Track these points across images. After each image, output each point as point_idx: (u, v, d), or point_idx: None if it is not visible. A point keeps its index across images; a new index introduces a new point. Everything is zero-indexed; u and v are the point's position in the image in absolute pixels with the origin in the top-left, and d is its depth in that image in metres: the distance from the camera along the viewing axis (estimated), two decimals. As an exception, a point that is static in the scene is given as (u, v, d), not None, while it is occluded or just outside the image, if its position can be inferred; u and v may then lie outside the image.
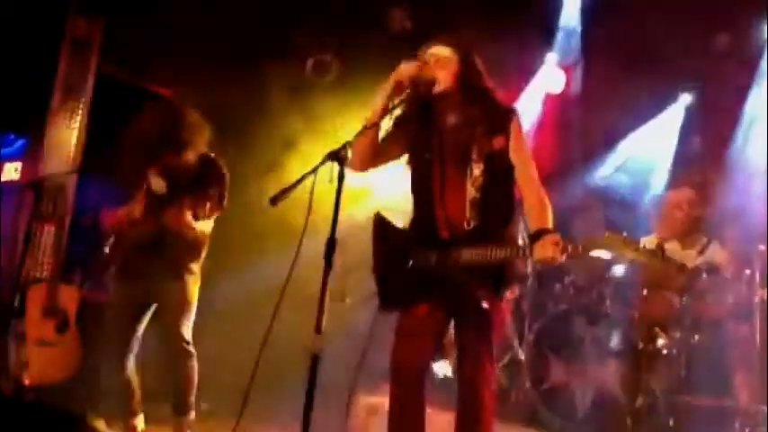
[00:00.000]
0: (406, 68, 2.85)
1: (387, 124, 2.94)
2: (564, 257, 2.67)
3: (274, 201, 2.51)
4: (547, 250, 2.66)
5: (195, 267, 3.63)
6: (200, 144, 3.58)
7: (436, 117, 2.90)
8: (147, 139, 3.52)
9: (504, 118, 2.84)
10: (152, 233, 3.53)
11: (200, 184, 3.55)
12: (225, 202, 3.62)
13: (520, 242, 2.93)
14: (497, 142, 2.80)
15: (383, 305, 2.93)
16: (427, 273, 2.83)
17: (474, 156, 2.79)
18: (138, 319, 3.58)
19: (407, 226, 2.98)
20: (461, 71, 2.86)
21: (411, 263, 2.86)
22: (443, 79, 2.84)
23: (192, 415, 3.57)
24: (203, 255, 3.67)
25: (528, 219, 2.82)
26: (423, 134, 2.90)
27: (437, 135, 2.88)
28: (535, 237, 2.73)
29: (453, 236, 2.80)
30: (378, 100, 2.86)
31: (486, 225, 2.78)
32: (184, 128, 3.53)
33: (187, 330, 3.56)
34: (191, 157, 3.54)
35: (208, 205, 3.53)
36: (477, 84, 2.88)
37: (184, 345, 3.53)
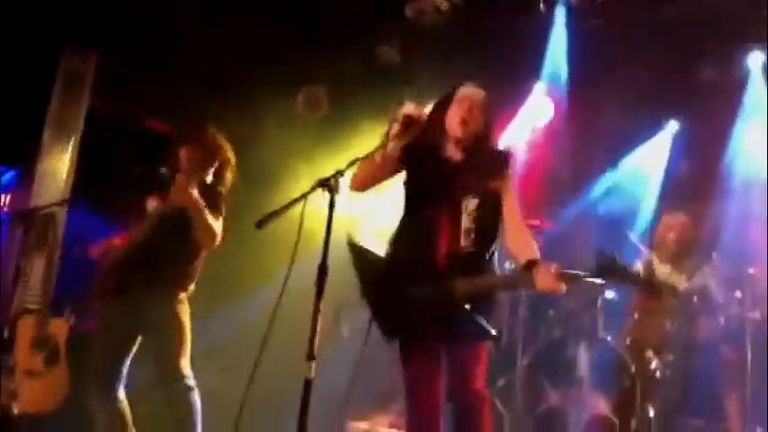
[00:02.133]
0: (414, 112, 2.90)
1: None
2: (565, 287, 2.70)
3: (260, 224, 2.52)
4: (549, 281, 2.69)
5: (184, 297, 3.59)
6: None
7: (441, 151, 2.96)
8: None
9: (503, 161, 2.95)
10: (145, 241, 3.50)
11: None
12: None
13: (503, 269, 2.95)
14: (494, 183, 2.89)
15: (385, 335, 2.91)
16: (424, 302, 2.82)
17: (471, 192, 2.86)
18: (126, 349, 3.54)
19: (389, 250, 2.97)
20: (490, 115, 2.96)
21: (405, 292, 2.84)
22: (477, 120, 2.91)
23: None
24: (194, 280, 3.63)
25: (514, 251, 2.89)
26: (424, 164, 2.95)
27: (439, 167, 2.94)
28: (528, 267, 2.77)
29: (449, 266, 2.82)
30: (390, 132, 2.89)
31: (478, 255, 2.83)
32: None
33: (185, 363, 3.50)
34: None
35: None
36: (492, 138, 3.02)
37: (184, 380, 3.47)
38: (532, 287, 2.75)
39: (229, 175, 3.71)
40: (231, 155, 3.71)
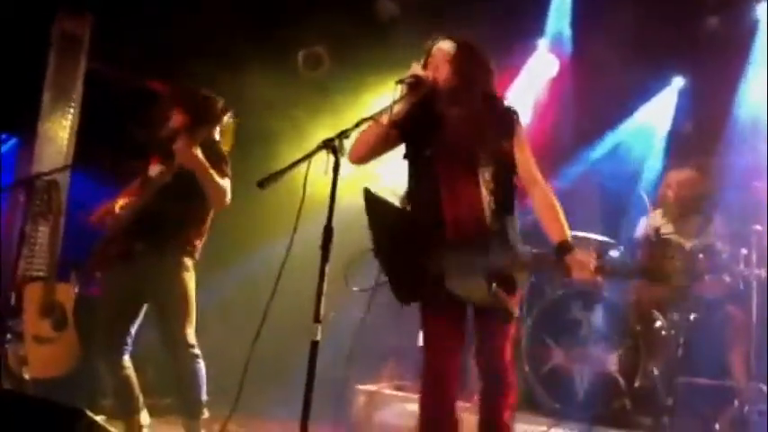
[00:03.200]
0: (416, 69, 2.83)
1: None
2: (599, 277, 2.65)
3: (262, 183, 2.48)
4: (586, 273, 2.62)
5: (190, 263, 3.57)
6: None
7: (436, 112, 2.87)
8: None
9: (508, 119, 2.86)
10: (150, 206, 3.47)
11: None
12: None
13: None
14: (506, 145, 2.81)
15: (399, 298, 2.86)
16: (442, 271, 2.75)
17: (483, 160, 2.77)
18: (131, 315, 3.55)
19: (406, 206, 2.91)
20: (464, 67, 2.84)
21: (424, 259, 2.77)
22: (444, 74, 2.83)
23: (206, 414, 3.53)
24: (200, 242, 3.62)
25: (542, 222, 2.80)
26: (422, 129, 2.86)
27: (438, 131, 2.85)
28: (561, 251, 2.69)
29: (464, 239, 2.74)
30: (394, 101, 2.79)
31: (502, 229, 2.76)
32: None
33: (191, 332, 3.51)
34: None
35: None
36: (481, 82, 2.87)
37: (190, 349, 3.49)
38: (567, 276, 2.68)
39: (229, 134, 3.65)
40: (228, 114, 3.63)
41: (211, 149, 3.52)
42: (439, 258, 2.77)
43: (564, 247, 2.70)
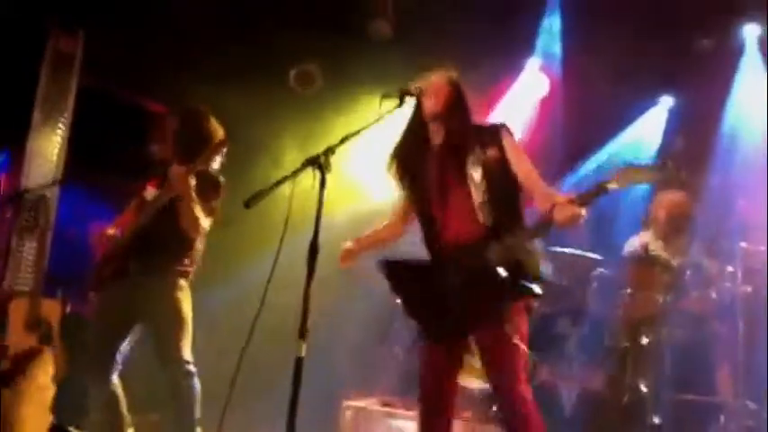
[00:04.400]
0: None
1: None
2: (584, 211, 2.68)
3: (249, 203, 2.51)
4: (566, 210, 2.67)
5: (184, 283, 3.57)
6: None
7: (428, 142, 3.01)
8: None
9: (494, 132, 2.96)
10: (145, 229, 3.49)
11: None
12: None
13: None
14: (491, 152, 2.90)
15: (434, 339, 2.95)
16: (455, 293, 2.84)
17: (469, 166, 2.88)
18: (122, 335, 3.54)
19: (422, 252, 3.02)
20: (453, 99, 2.99)
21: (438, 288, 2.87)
22: (436, 104, 2.97)
23: None
24: (194, 266, 3.62)
25: (539, 203, 2.86)
26: (416, 161, 3.00)
27: (430, 159, 2.99)
28: (549, 210, 2.75)
29: (461, 245, 2.85)
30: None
31: (498, 226, 2.83)
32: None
33: (187, 350, 3.50)
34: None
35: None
36: (465, 111, 3.02)
37: (186, 366, 3.47)
38: (553, 222, 2.72)
39: (220, 158, 3.65)
40: (223, 137, 3.65)
41: (207, 181, 3.53)
42: (453, 278, 2.84)
43: (550, 207, 2.75)
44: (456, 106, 3.00)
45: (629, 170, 2.73)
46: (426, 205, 2.98)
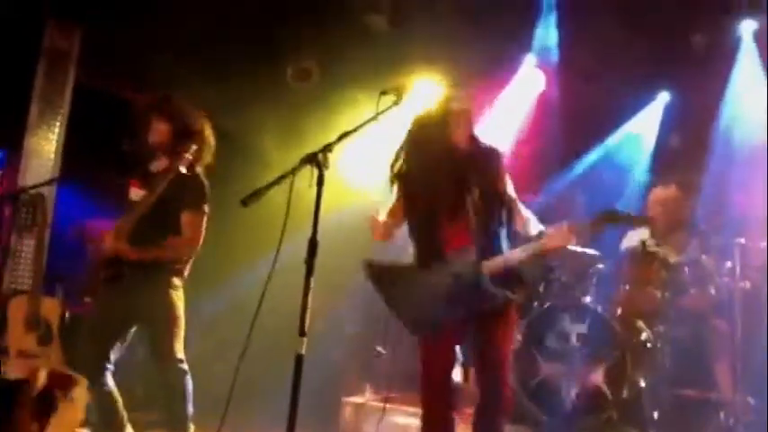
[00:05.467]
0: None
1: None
2: (575, 239, 2.92)
3: (246, 201, 2.50)
4: (558, 237, 2.91)
5: (178, 282, 3.57)
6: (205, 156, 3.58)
7: (448, 153, 3.08)
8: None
9: (495, 157, 3.12)
10: (137, 232, 3.45)
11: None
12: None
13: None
14: (491, 177, 3.05)
15: (415, 332, 3.06)
16: (446, 291, 2.97)
17: (470, 184, 3.01)
18: (116, 336, 3.53)
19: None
20: (469, 115, 3.12)
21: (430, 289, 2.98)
22: (464, 134, 3.09)
23: (192, 429, 3.52)
24: (189, 264, 3.62)
25: (527, 229, 3.08)
26: (429, 168, 3.07)
27: (445, 168, 3.06)
28: (539, 234, 2.99)
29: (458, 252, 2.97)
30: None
31: (489, 242, 2.99)
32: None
33: (179, 348, 3.50)
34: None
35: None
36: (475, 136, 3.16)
37: (179, 364, 3.48)
38: (545, 247, 2.94)
39: (209, 156, 3.63)
40: (210, 133, 3.63)
41: (192, 186, 3.52)
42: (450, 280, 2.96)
43: (541, 232, 3.02)
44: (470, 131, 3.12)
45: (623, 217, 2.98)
46: (431, 210, 3.04)
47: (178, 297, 3.55)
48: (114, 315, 3.52)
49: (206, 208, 3.56)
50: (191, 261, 3.63)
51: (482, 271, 2.94)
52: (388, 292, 3.07)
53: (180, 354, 3.50)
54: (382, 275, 3.08)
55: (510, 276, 3.00)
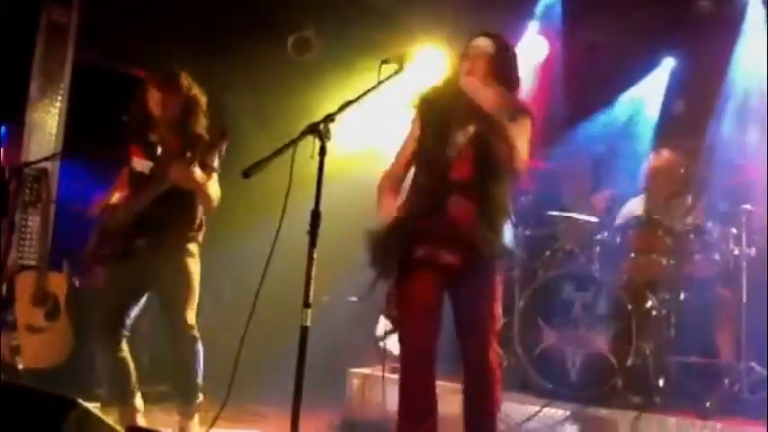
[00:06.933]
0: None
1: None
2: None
3: (248, 173, 2.48)
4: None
5: (194, 248, 3.58)
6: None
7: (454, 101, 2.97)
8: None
9: (520, 113, 2.96)
10: (150, 208, 3.45)
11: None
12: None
13: None
14: (506, 131, 2.87)
15: (380, 275, 2.92)
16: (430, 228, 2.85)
17: (474, 120, 2.89)
18: (131, 304, 3.54)
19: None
20: (497, 65, 2.95)
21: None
22: (479, 71, 2.93)
23: (200, 398, 3.56)
24: (202, 231, 3.62)
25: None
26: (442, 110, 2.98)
27: (460, 107, 2.95)
28: None
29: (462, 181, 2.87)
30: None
31: (481, 183, 2.87)
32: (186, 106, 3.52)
33: (192, 315, 3.52)
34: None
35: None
36: (508, 77, 2.98)
37: (190, 330, 3.50)
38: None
39: (203, 119, 3.59)
40: (202, 98, 3.59)
41: (196, 141, 3.48)
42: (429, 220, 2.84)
43: None
44: (494, 78, 2.93)
45: None
46: (442, 145, 2.93)
47: (193, 263, 3.55)
48: (129, 284, 3.53)
49: (213, 162, 3.52)
50: (204, 227, 3.63)
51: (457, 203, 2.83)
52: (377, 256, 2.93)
53: (192, 320, 3.52)
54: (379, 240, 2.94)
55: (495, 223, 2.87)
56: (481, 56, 2.95)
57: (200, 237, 3.63)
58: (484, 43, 2.97)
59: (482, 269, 2.91)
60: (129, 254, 3.50)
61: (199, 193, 3.48)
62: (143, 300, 3.58)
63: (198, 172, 3.40)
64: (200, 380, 3.54)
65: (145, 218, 3.47)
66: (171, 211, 3.48)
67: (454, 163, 2.91)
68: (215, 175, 3.53)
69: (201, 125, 3.57)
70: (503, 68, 2.96)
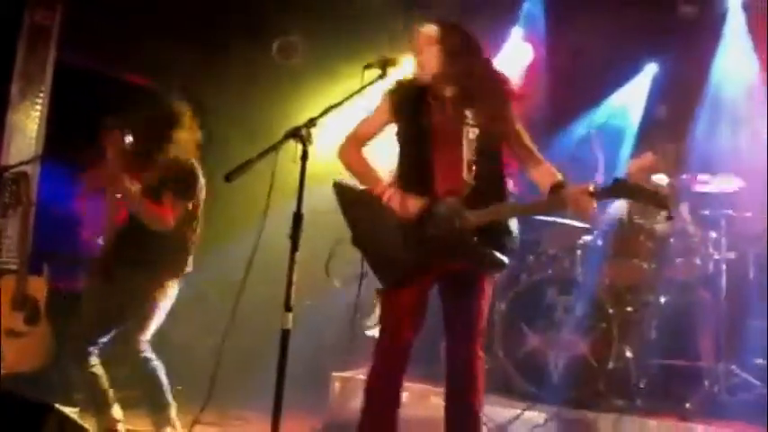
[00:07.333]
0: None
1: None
2: (595, 204, 2.69)
3: (229, 177, 2.48)
4: (583, 201, 2.67)
5: (172, 283, 3.54)
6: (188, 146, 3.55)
7: (431, 93, 2.92)
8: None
9: (499, 87, 2.90)
10: (126, 231, 3.47)
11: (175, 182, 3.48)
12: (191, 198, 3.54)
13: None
14: (492, 108, 2.83)
15: (385, 282, 2.90)
16: (425, 240, 2.81)
17: (470, 121, 2.83)
18: (107, 329, 3.52)
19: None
20: (447, 46, 2.87)
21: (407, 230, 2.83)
22: (428, 58, 2.89)
23: (172, 408, 3.53)
24: (187, 262, 3.60)
25: (538, 176, 2.88)
26: (416, 108, 2.92)
27: (433, 108, 2.90)
28: (556, 189, 2.75)
29: (450, 193, 2.82)
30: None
31: (483, 186, 2.82)
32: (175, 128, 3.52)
33: (142, 338, 3.48)
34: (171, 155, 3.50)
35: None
36: (467, 55, 2.89)
37: (140, 354, 3.47)
38: (565, 208, 2.76)
39: (192, 128, 3.59)
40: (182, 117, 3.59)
41: (174, 175, 3.48)
42: (421, 224, 2.81)
43: (558, 185, 2.78)
44: (453, 56, 2.86)
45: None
46: (422, 147, 2.87)
47: (162, 296, 3.51)
48: (104, 308, 3.50)
49: (196, 195, 3.52)
50: (189, 259, 3.60)
51: (467, 217, 2.77)
52: (354, 221, 2.92)
53: (141, 344, 3.48)
54: (353, 201, 2.93)
55: (497, 234, 2.79)
56: (427, 40, 2.90)
57: (185, 270, 3.60)
58: (428, 29, 2.93)
59: (480, 273, 2.91)
60: (106, 279, 3.48)
61: (137, 209, 3.43)
62: (112, 330, 3.54)
63: (134, 189, 3.38)
64: (166, 392, 3.51)
65: (129, 249, 3.46)
66: (160, 253, 3.47)
67: (444, 167, 2.86)
68: (176, 202, 3.48)
69: (195, 137, 3.58)
70: (452, 46, 2.87)
